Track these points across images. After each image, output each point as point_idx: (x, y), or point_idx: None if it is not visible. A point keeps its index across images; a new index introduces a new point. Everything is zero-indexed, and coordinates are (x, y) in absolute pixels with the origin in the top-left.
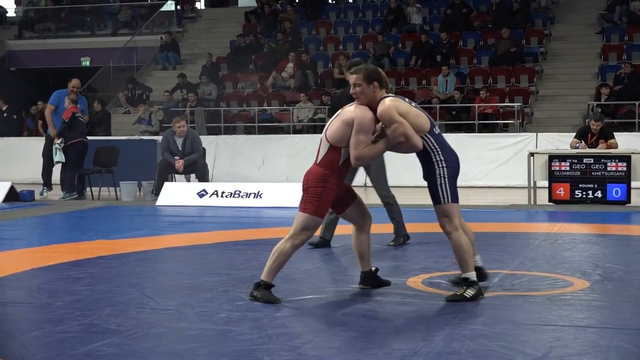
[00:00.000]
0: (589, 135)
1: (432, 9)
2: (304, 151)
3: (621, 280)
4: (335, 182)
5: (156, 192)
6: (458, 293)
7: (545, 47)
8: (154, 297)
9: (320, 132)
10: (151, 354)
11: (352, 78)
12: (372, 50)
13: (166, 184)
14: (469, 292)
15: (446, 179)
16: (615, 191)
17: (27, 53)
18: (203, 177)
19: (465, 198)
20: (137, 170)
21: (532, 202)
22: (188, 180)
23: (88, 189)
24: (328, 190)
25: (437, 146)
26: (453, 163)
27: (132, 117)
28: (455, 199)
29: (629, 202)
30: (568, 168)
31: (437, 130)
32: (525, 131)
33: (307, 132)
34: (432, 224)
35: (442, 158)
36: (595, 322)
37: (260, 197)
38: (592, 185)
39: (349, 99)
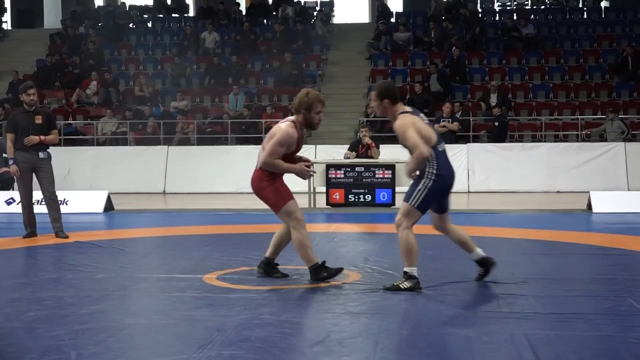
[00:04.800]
0: (360, 146)
1: (224, 35)
2: (107, 161)
3: (388, 272)
4: (280, 177)
5: None
6: (395, 283)
7: (322, 70)
8: None
9: (123, 144)
10: None
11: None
12: (170, 70)
13: None
14: (405, 284)
15: (426, 189)
16: (383, 195)
17: None
18: (6, 187)
19: (254, 203)
20: None
21: (312, 206)
22: None
23: None
24: (278, 184)
25: (434, 161)
26: (442, 178)
27: None
28: (421, 207)
29: (394, 205)
30: (343, 175)
31: (441, 148)
32: (306, 143)
33: (111, 144)
34: (231, 226)
35: (435, 172)
36: (366, 308)
37: (66, 204)
38: (363, 190)
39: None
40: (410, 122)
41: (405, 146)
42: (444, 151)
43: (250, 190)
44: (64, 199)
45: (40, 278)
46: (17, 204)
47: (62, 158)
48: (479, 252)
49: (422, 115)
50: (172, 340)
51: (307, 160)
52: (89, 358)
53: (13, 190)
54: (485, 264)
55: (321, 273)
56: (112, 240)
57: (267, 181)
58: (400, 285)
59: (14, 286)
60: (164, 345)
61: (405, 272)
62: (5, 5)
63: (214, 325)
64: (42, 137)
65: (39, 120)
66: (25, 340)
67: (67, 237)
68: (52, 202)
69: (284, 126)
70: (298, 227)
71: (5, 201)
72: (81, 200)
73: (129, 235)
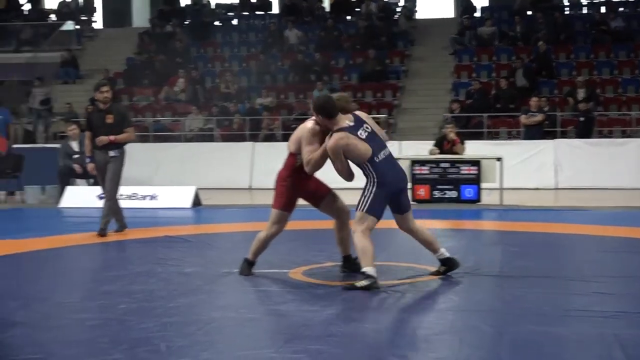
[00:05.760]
0: (445, 142)
1: (308, 32)
2: (194, 157)
3: (474, 269)
4: (295, 180)
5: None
6: (353, 283)
7: (406, 66)
8: (58, 291)
9: (210, 141)
10: (55, 343)
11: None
12: (255, 67)
13: (68, 188)
14: (362, 283)
15: (372, 194)
16: (468, 191)
17: None
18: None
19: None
20: (41, 175)
21: None
22: (89, 184)
23: None
24: (288, 188)
25: (373, 172)
26: (385, 184)
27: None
28: (371, 211)
29: (480, 201)
30: (428, 172)
31: (378, 159)
32: (390, 139)
33: (198, 141)
34: (316, 222)
35: (376, 180)
36: (452, 305)
37: (155, 199)
38: (448, 187)
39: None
40: (341, 147)
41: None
42: (384, 159)
43: (338, 185)
44: (153, 194)
45: (131, 271)
46: None
47: (150, 154)
48: (444, 252)
49: (363, 128)
50: (259, 335)
51: None
52: (177, 351)
53: None
54: (449, 264)
55: (243, 269)
56: (200, 235)
57: (285, 180)
58: (356, 284)
59: (106, 279)
60: (251, 339)
61: (362, 273)
62: (96, 5)
63: (300, 320)
64: (112, 137)
65: (110, 119)
66: (117, 332)
67: (104, 235)
68: (105, 199)
69: (309, 125)
70: (271, 230)
71: (98, 196)
72: (169, 196)
73: (216, 230)
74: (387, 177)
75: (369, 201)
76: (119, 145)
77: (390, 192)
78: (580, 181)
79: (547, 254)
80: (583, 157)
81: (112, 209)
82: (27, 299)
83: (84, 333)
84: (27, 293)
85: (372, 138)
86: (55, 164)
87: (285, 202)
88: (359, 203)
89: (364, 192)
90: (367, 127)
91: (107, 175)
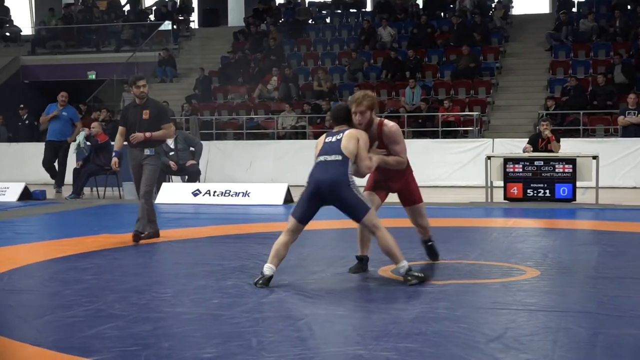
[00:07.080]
0: (540, 140)
1: (401, 29)
2: (287, 155)
3: (568, 269)
4: (387, 170)
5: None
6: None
7: (500, 62)
8: (154, 285)
9: (302, 138)
10: (151, 336)
11: None
12: (348, 65)
13: (164, 185)
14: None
15: (300, 197)
16: (563, 190)
17: (39, 67)
18: (193, 179)
19: (430, 196)
20: None
21: (489, 200)
22: (184, 180)
23: (94, 188)
24: (374, 174)
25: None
26: (308, 184)
27: None
28: (293, 212)
29: (575, 200)
30: (521, 170)
31: (318, 159)
32: (483, 137)
33: (290, 138)
34: (402, 220)
35: (307, 181)
36: (545, 306)
37: (248, 196)
38: (542, 185)
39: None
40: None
41: None
42: (322, 162)
43: (425, 183)
44: (246, 191)
45: (224, 267)
46: (203, 195)
47: (244, 151)
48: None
49: (335, 136)
50: (349, 331)
51: None
52: (268, 346)
53: (199, 182)
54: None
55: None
56: None
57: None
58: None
59: (200, 274)
60: (341, 335)
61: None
62: (193, 5)
63: (389, 317)
64: (148, 134)
65: (146, 115)
66: (209, 326)
67: (137, 243)
68: (143, 200)
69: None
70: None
71: (192, 192)
72: (262, 193)
73: (307, 227)
74: (310, 177)
75: (295, 204)
76: (154, 144)
77: (311, 191)
78: None
79: None
80: None
81: (147, 211)
82: (125, 292)
83: (178, 327)
84: (125, 286)
85: (329, 144)
86: None
87: (372, 183)
88: None
89: None
90: (337, 136)
91: (143, 176)
